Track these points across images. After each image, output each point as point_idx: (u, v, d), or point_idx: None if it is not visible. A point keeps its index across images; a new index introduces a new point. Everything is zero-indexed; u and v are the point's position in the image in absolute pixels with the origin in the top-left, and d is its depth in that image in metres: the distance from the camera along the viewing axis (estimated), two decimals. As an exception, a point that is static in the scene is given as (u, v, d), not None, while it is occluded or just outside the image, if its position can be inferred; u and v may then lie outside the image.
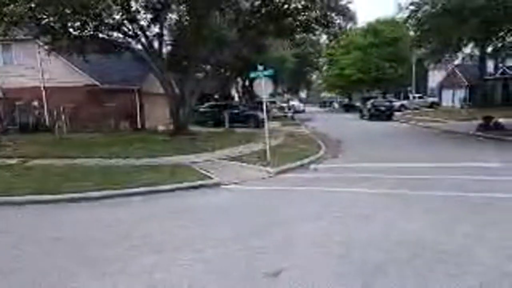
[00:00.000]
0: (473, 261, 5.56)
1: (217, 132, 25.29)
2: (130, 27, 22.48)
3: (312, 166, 14.07)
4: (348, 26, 27.73)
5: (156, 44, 24.18)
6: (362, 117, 42.36)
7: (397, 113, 41.17)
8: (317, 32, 28.40)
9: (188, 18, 24.37)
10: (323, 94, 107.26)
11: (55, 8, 16.35)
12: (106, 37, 22.56)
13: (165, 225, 7.76)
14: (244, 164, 14.22)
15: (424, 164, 13.36)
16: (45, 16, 17.94)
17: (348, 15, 23.84)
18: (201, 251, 6.29)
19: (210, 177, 11.88)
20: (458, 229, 6.87)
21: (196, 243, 6.67)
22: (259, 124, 27.01)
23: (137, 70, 26.80)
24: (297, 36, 29.02)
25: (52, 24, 18.86)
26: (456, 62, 47.56)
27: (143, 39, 22.89)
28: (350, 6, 23.09)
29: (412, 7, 23.81)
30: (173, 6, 24.88)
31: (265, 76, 14.45)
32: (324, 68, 74.62)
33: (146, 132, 25.88)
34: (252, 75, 15.14)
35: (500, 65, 45.20)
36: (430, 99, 56.21)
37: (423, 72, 57.77)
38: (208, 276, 5.46)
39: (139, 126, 27.78)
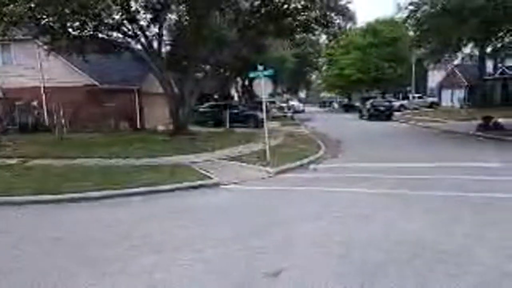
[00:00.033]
0: (473, 261, 5.57)
1: (217, 132, 25.29)
2: (129, 27, 22.47)
3: (312, 166, 14.08)
4: (348, 26, 27.73)
5: (155, 44, 24.17)
6: (361, 117, 42.35)
7: (396, 113, 41.16)
8: (316, 32, 28.40)
9: (187, 18, 24.36)
10: (322, 94, 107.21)
11: (54, 8, 16.31)
12: (106, 37, 22.55)
13: (165, 225, 7.76)
14: (243, 164, 14.22)
15: (424, 164, 13.36)
16: (44, 16, 17.90)
17: (348, 15, 23.84)
18: (201, 251, 6.29)
19: (209, 177, 11.88)
20: (458, 229, 6.88)
21: (196, 243, 6.67)
22: (259, 124, 27.00)
23: (137, 70, 26.78)
24: (297, 36, 28.99)
25: (51, 24, 18.83)
26: (456, 62, 47.64)
27: (142, 39, 22.88)
28: (350, 6, 23.14)
29: (411, 7, 23.81)
30: (173, 6, 24.88)
31: (264, 76, 14.46)
32: (324, 68, 74.63)
33: (146, 132, 25.86)
34: (251, 75, 15.14)
35: (500, 65, 45.25)
36: (430, 99, 56.21)
37: (422, 72, 57.77)
38: (208, 276, 5.46)
39: (138, 126, 27.75)
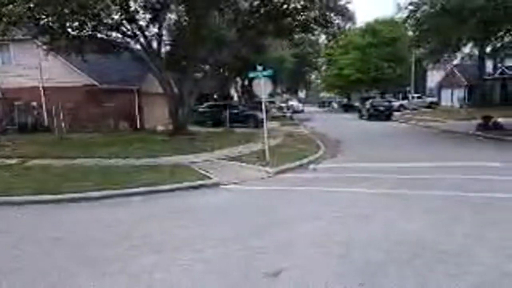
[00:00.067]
0: (473, 261, 5.57)
1: (216, 132, 25.28)
2: (128, 27, 22.46)
3: (311, 166, 14.08)
4: (347, 26, 27.81)
5: (155, 44, 24.17)
6: (361, 117, 42.36)
7: (396, 113, 41.18)
8: (316, 32, 28.42)
9: (187, 18, 24.37)
10: (322, 94, 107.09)
11: (53, 8, 16.30)
12: (105, 37, 22.53)
13: (165, 225, 7.76)
14: (243, 164, 14.22)
15: (424, 164, 13.38)
16: (43, 16, 17.88)
17: (347, 15, 23.88)
18: (201, 251, 6.29)
19: (209, 177, 11.89)
20: (458, 229, 6.88)
21: (196, 243, 6.67)
22: (258, 124, 26.97)
23: (136, 70, 26.76)
24: (296, 36, 29.01)
25: (50, 24, 18.81)
26: (455, 62, 47.66)
27: (142, 39, 22.87)
28: (349, 6, 23.24)
29: (411, 7, 23.84)
30: (172, 6, 24.91)
31: (264, 76, 14.46)
32: (323, 68, 74.67)
33: (145, 132, 25.85)
34: (251, 75, 15.15)
35: (499, 65, 45.28)
36: (429, 99, 56.24)
37: (421, 72, 57.80)
38: (208, 276, 5.46)
39: (138, 126, 27.72)
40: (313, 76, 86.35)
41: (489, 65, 45.89)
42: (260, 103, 15.07)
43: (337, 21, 23.72)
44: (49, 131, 24.66)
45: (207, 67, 29.86)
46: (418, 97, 55.00)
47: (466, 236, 6.52)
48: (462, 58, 43.71)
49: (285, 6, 21.83)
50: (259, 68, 14.44)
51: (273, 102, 61.12)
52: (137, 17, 22.79)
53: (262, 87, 14.41)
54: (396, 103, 49.90)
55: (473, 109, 37.18)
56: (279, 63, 40.27)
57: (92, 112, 25.92)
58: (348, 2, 22.75)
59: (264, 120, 15.39)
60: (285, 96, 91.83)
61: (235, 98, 53.68)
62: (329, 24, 23.26)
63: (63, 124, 23.24)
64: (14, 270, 5.89)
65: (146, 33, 23.23)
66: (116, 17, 20.68)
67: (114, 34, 23.06)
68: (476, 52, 39.45)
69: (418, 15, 23.44)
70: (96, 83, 26.47)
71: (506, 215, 7.65)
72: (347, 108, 60.77)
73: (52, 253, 6.53)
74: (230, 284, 5.21)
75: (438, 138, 21.85)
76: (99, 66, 26.44)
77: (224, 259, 5.99)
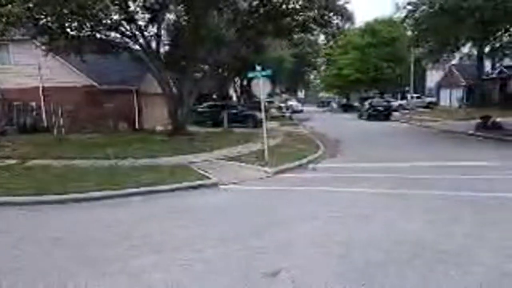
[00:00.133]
0: (473, 261, 5.57)
1: (216, 132, 25.29)
2: (128, 27, 22.43)
3: (311, 166, 14.07)
4: (346, 26, 27.80)
5: (154, 44, 24.14)
6: (360, 117, 42.39)
7: (395, 113, 41.22)
8: (315, 32, 28.45)
9: (186, 18, 24.35)
10: (321, 94, 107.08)
11: (52, 8, 16.30)
12: (104, 37, 22.49)
13: (164, 225, 7.76)
14: (242, 164, 14.22)
15: (423, 164, 13.40)
16: (42, 16, 17.89)
17: (346, 15, 23.87)
18: (200, 251, 6.30)
19: (208, 177, 11.88)
20: (458, 229, 6.88)
21: (196, 243, 6.67)
22: (257, 124, 26.93)
23: (135, 71, 26.71)
24: (295, 36, 29.05)
25: (49, 24, 18.81)
26: (454, 61, 47.65)
27: (141, 39, 22.84)
28: (348, 6, 23.14)
29: (409, 7, 23.90)
30: (171, 6, 24.89)
31: (263, 76, 14.45)
32: (322, 68, 74.74)
33: (145, 132, 25.81)
34: (250, 75, 15.13)
35: (498, 64, 45.22)
36: (428, 99, 56.28)
37: (420, 72, 57.78)
38: (208, 275, 5.46)
39: (137, 126, 27.70)
40: (312, 76, 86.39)
41: (487, 64, 45.87)
42: (259, 103, 15.06)
43: (336, 21, 23.75)
44: (48, 131, 24.62)
45: (206, 67, 29.84)
46: (417, 97, 54.99)
47: (466, 236, 6.52)
48: (461, 58, 43.64)
49: (284, 6, 21.84)
50: (258, 68, 14.42)
51: (272, 102, 61.19)
52: (136, 17, 22.79)
53: (261, 87, 14.41)
54: (395, 103, 49.96)
55: (472, 109, 37.20)
56: (278, 63, 40.27)
57: (91, 112, 25.90)
58: (347, 2, 22.75)
59: (263, 120, 15.38)
60: (284, 96, 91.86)
61: (234, 98, 53.66)
62: (328, 24, 23.29)
63: (62, 125, 23.21)
64: (14, 270, 5.88)
65: (145, 33, 23.21)
66: (115, 17, 20.66)
67: (113, 34, 23.05)
68: (474, 52, 39.39)
69: (416, 15, 23.48)
70: (95, 83, 26.49)
71: (506, 215, 7.66)
72: (346, 108, 60.79)
73: (52, 253, 6.52)
74: (229, 283, 5.21)
75: (437, 138, 21.88)
76: (98, 67, 26.44)
77: (224, 259, 5.99)
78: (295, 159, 14.62)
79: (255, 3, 22.48)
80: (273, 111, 50.36)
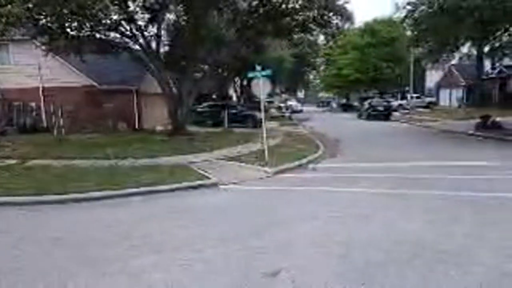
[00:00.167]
0: (473, 261, 5.57)
1: (215, 132, 25.29)
2: (127, 27, 22.43)
3: (311, 166, 14.07)
4: (346, 26, 27.85)
5: (153, 44, 24.13)
6: (359, 117, 42.42)
7: (394, 113, 41.24)
8: (314, 32, 28.46)
9: (185, 18, 24.34)
10: (320, 94, 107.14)
11: (52, 9, 16.29)
12: (104, 37, 22.47)
13: (164, 225, 7.76)
14: (242, 164, 14.22)
15: (423, 164, 13.40)
16: (42, 17, 17.89)
17: (346, 15, 23.94)
18: (200, 251, 6.29)
19: (208, 177, 11.88)
20: (458, 229, 6.88)
21: (196, 243, 6.67)
22: (257, 124, 26.92)
23: (135, 71, 26.70)
24: (295, 36, 29.05)
25: (49, 24, 18.81)
26: (453, 61, 47.68)
27: (140, 39, 22.84)
28: (347, 6, 23.20)
29: (409, 7, 23.90)
30: (171, 6, 24.88)
31: (263, 76, 14.46)
32: (322, 68, 74.76)
33: (145, 132, 25.79)
34: (250, 75, 15.15)
35: (497, 64, 45.24)
36: (428, 99, 56.30)
37: (420, 72, 57.85)
38: (208, 275, 5.46)
39: (137, 126, 27.70)
40: (311, 76, 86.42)
41: (487, 64, 45.90)
42: (259, 103, 15.07)
43: (335, 21, 23.78)
44: (48, 131, 24.61)
45: (206, 67, 29.84)
46: (417, 97, 54.99)
47: (466, 236, 6.52)
48: (461, 58, 43.71)
49: (283, 6, 21.85)
50: (258, 68, 14.42)
51: (272, 102, 61.23)
52: (135, 17, 22.78)
53: (261, 87, 14.42)
54: (394, 103, 49.96)
55: (472, 109, 37.19)
56: (278, 63, 40.28)
57: (91, 112, 25.90)
58: (347, 2, 22.80)
59: (263, 120, 15.38)
60: (284, 96, 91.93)
61: (234, 98, 53.68)
62: (327, 24, 23.31)
63: (62, 125, 23.19)
64: (14, 270, 5.88)
65: (145, 33, 23.21)
66: (114, 17, 20.64)
67: (112, 34, 23.02)
68: (474, 51, 39.43)
69: (416, 15, 23.49)
70: (95, 83, 26.49)
71: (506, 215, 7.66)
72: (346, 108, 60.84)
73: (52, 253, 6.52)
74: (229, 283, 5.21)
75: (437, 138, 21.89)
76: (98, 67, 26.44)
77: (224, 259, 5.99)
78: (295, 159, 14.63)
79: (254, 3, 22.49)
80: (273, 111, 50.41)
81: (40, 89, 26.54)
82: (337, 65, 59.49)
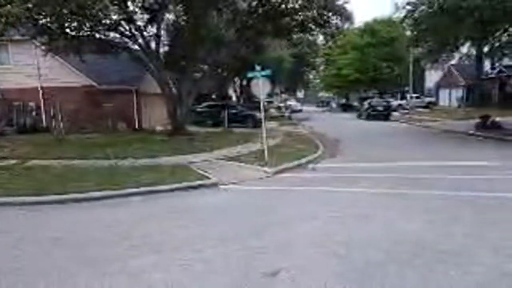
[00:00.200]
0: (473, 261, 5.56)
1: (215, 132, 25.30)
2: (127, 28, 22.42)
3: (310, 166, 14.07)
4: (345, 26, 27.88)
5: (153, 44, 24.12)
6: (359, 117, 42.44)
7: (394, 113, 41.25)
8: (314, 32, 28.46)
9: (185, 18, 24.35)
10: (320, 94, 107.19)
11: (52, 9, 16.29)
12: (103, 37, 22.48)
13: (164, 225, 7.76)
14: (242, 164, 14.22)
15: (423, 163, 13.40)
16: (42, 17, 17.89)
17: (345, 15, 23.99)
18: (200, 251, 6.29)
19: (208, 177, 11.88)
20: (458, 229, 6.88)
21: (196, 243, 6.67)
22: (257, 124, 26.95)
23: (135, 71, 26.68)
24: (295, 36, 29.06)
25: (49, 24, 18.82)
26: (453, 61, 47.68)
27: (140, 40, 22.84)
28: (347, 6, 23.26)
29: (409, 7, 23.90)
30: (170, 6, 24.89)
31: (262, 76, 14.45)
32: (321, 68, 74.75)
33: (144, 132, 25.79)
34: (249, 75, 15.14)
35: (497, 64, 45.26)
36: (427, 99, 56.33)
37: (420, 72, 57.87)
38: (208, 275, 5.46)
39: (137, 126, 27.71)
40: (311, 76, 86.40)
41: (487, 64, 45.93)
42: (259, 103, 15.07)
43: (335, 21, 23.82)
44: (48, 131, 24.60)
45: (206, 67, 29.84)
46: (417, 97, 55.02)
47: (466, 236, 6.52)
48: (460, 58, 43.72)
49: (283, 6, 21.87)
50: (258, 68, 14.42)
51: (271, 102, 61.24)
52: (135, 17, 22.79)
53: (261, 87, 14.42)
54: (394, 103, 49.98)
55: (471, 109, 37.25)
56: (278, 63, 40.34)
57: (91, 112, 25.91)
58: (346, 2, 22.90)
59: (263, 120, 15.38)
60: (284, 96, 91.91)
61: (234, 98, 53.70)
62: (327, 24, 23.32)
63: (62, 125, 23.19)
64: (14, 270, 5.87)
65: (145, 33, 23.20)
66: (114, 17, 20.66)
67: (112, 34, 23.04)
68: (474, 51, 39.46)
69: (415, 15, 23.49)
70: (94, 83, 26.49)
71: (506, 215, 7.66)
72: (346, 108, 60.88)
73: (52, 253, 6.52)
74: (229, 283, 5.20)
75: (437, 138, 21.89)
76: (98, 67, 26.43)
77: (224, 259, 5.99)
78: (294, 159, 14.63)
79: (254, 3, 22.51)
80: (273, 111, 50.43)
81: (40, 89, 26.53)
82: (336, 65, 59.52)
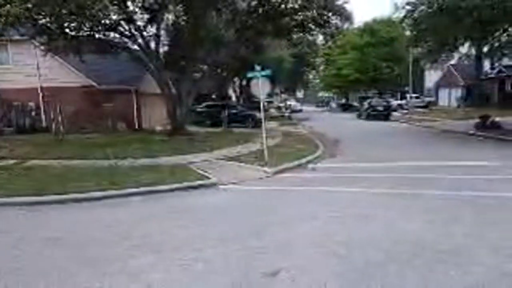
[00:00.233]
0: (473, 261, 5.56)
1: (215, 132, 25.31)
2: (126, 28, 22.43)
3: (310, 166, 14.07)
4: (345, 26, 27.88)
5: (153, 44, 24.13)
6: (359, 117, 42.45)
7: (394, 113, 41.26)
8: (313, 32, 28.46)
9: (185, 18, 24.35)
10: (320, 94, 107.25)
11: (51, 9, 16.30)
12: (103, 37, 22.48)
13: (164, 225, 7.76)
14: (242, 164, 14.22)
15: (424, 163, 13.38)
16: (41, 17, 17.89)
17: (345, 15, 23.96)
18: (200, 251, 6.29)
19: (208, 177, 11.88)
20: (458, 228, 6.87)
21: (196, 243, 6.67)
22: (257, 124, 26.98)
23: (134, 71, 26.67)
24: (294, 36, 29.06)
25: (48, 24, 18.82)
26: (453, 61, 47.67)
27: (140, 40, 22.84)
28: (347, 6, 23.26)
29: (408, 7, 23.89)
30: (170, 7, 24.86)
31: (262, 76, 14.44)
32: (321, 68, 74.74)
33: (144, 132, 25.79)
34: (249, 75, 15.13)
35: (497, 64, 45.25)
36: (427, 99, 56.34)
37: (419, 72, 57.87)
38: (207, 275, 5.46)
39: (136, 126, 27.70)
40: (311, 76, 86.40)
41: (486, 64, 45.94)
42: (258, 103, 15.07)
43: (334, 21, 23.82)
44: (47, 131, 24.60)
45: (205, 67, 29.84)
46: (416, 97, 55.03)
47: (466, 236, 6.51)
48: (460, 58, 43.70)
49: (283, 6, 21.88)
50: (257, 68, 14.41)
51: (271, 102, 61.27)
52: (135, 17, 22.79)
53: (260, 87, 14.40)
54: (394, 103, 49.99)
55: (471, 109, 37.25)
56: (278, 63, 40.36)
57: (91, 112, 25.88)
58: (346, 2, 22.95)
59: (263, 120, 15.38)
60: (284, 96, 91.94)
61: (233, 98, 53.69)
62: (326, 24, 23.33)
63: (61, 125, 23.17)
64: (14, 270, 5.87)
65: (144, 33, 23.21)
66: (114, 17, 20.67)
67: (112, 34, 23.04)
68: (473, 51, 39.46)
69: (415, 15, 23.48)
70: (94, 83, 26.47)
71: (506, 215, 7.66)
72: (346, 108, 60.90)
73: (52, 253, 6.51)
74: (229, 283, 5.19)
75: (437, 138, 21.90)
76: (97, 67, 26.41)
77: (224, 258, 5.98)
78: (294, 159, 14.63)
79: (253, 3, 22.52)
80: (272, 111, 50.48)
81: (39, 89, 26.52)
82: (336, 65, 59.55)
